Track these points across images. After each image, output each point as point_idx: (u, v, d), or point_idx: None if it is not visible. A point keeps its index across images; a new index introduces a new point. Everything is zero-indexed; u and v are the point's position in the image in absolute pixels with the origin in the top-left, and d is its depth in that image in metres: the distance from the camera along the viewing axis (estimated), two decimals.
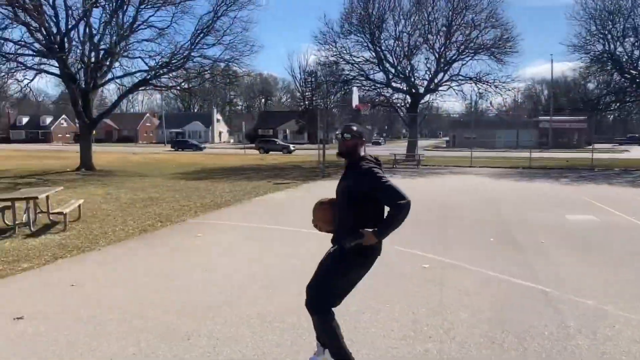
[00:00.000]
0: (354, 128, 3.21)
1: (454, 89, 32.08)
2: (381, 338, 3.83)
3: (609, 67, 29.69)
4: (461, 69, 31.47)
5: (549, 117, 58.43)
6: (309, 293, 3.19)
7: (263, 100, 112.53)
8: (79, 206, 9.15)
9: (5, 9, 18.85)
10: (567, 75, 65.31)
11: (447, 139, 73.63)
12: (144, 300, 4.66)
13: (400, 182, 17.69)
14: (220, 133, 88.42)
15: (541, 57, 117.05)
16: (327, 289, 3.11)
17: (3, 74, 20.27)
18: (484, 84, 30.47)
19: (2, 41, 19.43)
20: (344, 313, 4.22)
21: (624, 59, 28.70)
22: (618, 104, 33.65)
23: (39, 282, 5.27)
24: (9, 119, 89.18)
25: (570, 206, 11.39)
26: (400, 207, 2.83)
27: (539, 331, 3.94)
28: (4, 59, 19.51)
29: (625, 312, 4.37)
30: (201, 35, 22.19)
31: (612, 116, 68.03)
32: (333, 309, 3.14)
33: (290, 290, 4.97)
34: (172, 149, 53.86)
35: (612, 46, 28.68)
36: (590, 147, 35.90)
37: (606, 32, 28.56)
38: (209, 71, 24.49)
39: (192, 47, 22.17)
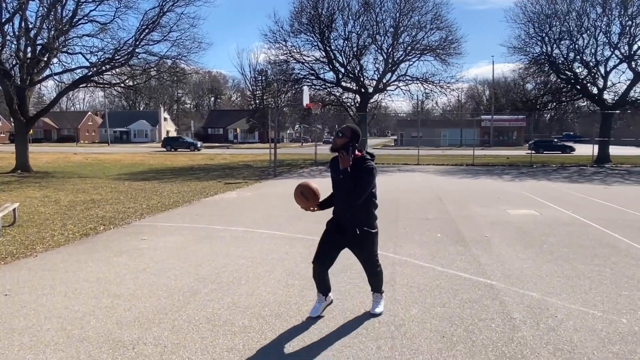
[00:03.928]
0: (347, 127, 3.92)
1: (401, 89, 32.86)
2: (326, 336, 3.79)
3: (546, 69, 31.12)
4: (408, 69, 32.32)
5: (490, 117, 60.92)
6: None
7: (212, 98, 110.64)
8: (14, 210, 8.62)
9: None
10: (507, 76, 68.48)
11: (395, 137, 75.17)
12: (84, 308, 4.41)
13: None
14: (167, 132, 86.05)
15: (484, 59, 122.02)
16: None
17: None
18: (429, 84, 31.30)
19: None
20: (289, 302, 4.16)
21: (559, 61, 30.18)
22: (555, 104, 35.39)
23: None
24: None
25: (512, 201, 11.87)
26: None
27: (486, 324, 4.04)
28: None
29: (567, 302, 4.57)
30: (146, 31, 21.45)
31: (548, 115, 71.76)
32: None
33: (240, 291, 4.87)
34: (164, 149, 49.58)
35: (549, 48, 30.10)
36: (528, 144, 37.49)
37: (544, 35, 29.93)
38: (155, 68, 23.73)
39: (137, 43, 21.40)
